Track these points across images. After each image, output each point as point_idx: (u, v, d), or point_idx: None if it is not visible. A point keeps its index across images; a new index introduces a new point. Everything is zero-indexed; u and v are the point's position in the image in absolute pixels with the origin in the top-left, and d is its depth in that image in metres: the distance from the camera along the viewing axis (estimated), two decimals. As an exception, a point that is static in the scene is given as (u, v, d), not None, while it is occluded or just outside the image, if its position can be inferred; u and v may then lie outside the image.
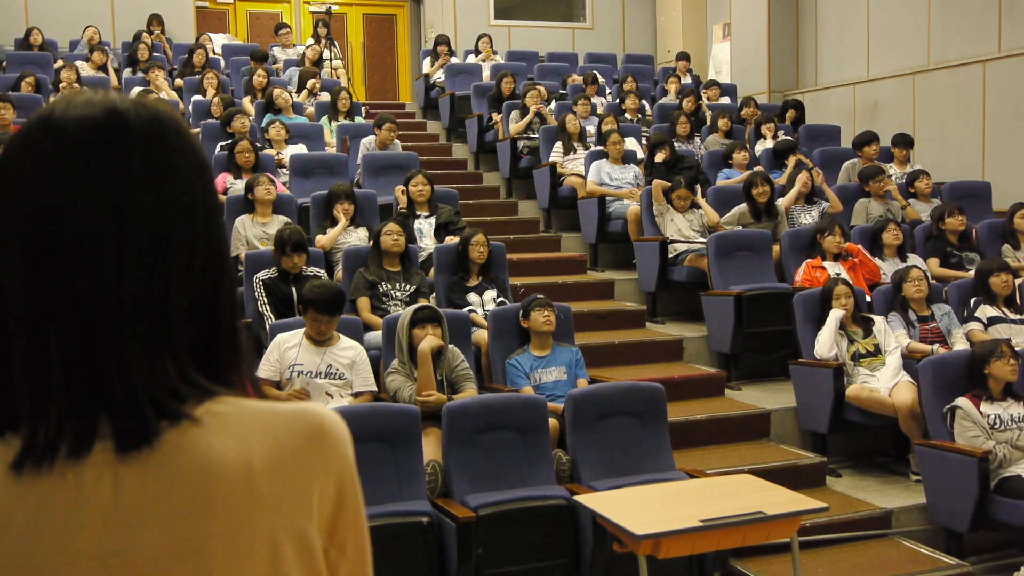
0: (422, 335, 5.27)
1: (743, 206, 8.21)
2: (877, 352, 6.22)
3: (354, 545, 1.02)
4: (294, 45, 13.12)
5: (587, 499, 4.25)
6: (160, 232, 0.93)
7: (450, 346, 5.48)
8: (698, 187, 8.33)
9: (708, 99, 11.53)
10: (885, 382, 6.05)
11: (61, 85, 9.89)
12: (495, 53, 13.06)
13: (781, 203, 8.24)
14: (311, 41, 12.57)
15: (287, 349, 5.29)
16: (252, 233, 7.10)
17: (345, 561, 1.00)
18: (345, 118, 10.01)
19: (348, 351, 5.36)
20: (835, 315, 6.23)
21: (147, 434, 0.90)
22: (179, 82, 10.89)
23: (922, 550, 5.26)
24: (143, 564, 0.89)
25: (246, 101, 10.34)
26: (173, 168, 0.95)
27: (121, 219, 0.91)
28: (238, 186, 7.75)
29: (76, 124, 0.93)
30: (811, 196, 8.43)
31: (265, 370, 5.25)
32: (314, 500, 0.96)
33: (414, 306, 5.53)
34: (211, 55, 11.96)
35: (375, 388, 5.39)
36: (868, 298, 6.82)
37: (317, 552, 0.97)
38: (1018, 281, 6.81)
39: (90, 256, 0.90)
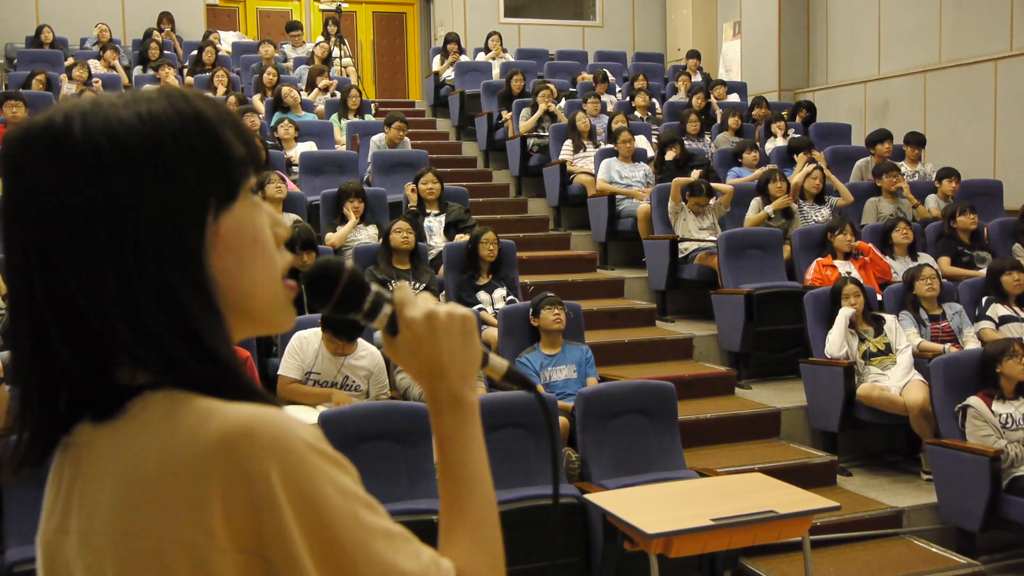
0: None
1: (756, 200, 8.19)
2: (888, 351, 6.20)
3: (323, 567, 0.87)
4: (304, 43, 13.13)
5: (598, 498, 4.25)
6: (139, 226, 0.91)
7: None
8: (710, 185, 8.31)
9: (716, 98, 11.51)
10: (896, 381, 6.03)
11: (74, 83, 9.90)
12: (505, 51, 13.05)
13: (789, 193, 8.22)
14: (320, 39, 12.58)
15: (306, 349, 5.25)
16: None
17: None
18: (355, 116, 10.02)
19: (364, 359, 5.30)
20: (844, 313, 6.22)
21: (103, 414, 0.93)
22: (189, 80, 10.90)
23: (933, 549, 5.25)
24: (77, 546, 0.92)
25: (256, 99, 10.36)
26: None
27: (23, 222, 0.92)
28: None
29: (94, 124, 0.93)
30: (821, 195, 8.42)
31: (291, 369, 5.23)
32: (215, 513, 0.85)
33: None
34: (220, 53, 11.97)
35: (388, 395, 5.36)
36: (879, 297, 6.80)
37: (224, 572, 0.86)
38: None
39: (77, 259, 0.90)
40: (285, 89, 9.75)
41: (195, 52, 11.73)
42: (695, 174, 8.36)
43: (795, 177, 8.38)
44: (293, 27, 13.31)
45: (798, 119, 10.90)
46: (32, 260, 0.91)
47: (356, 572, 0.88)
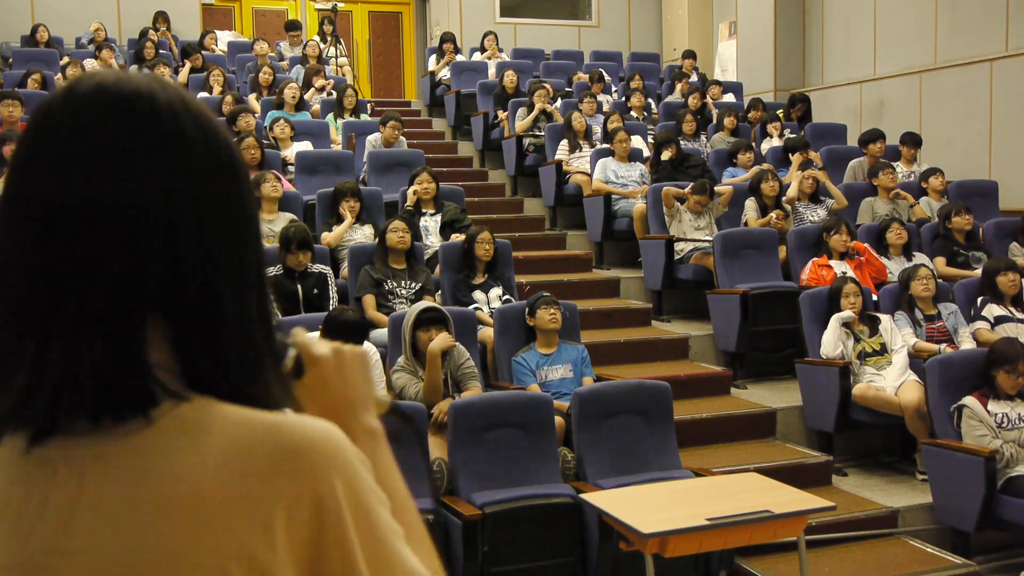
0: (426, 338, 5.25)
1: (751, 200, 8.21)
2: (883, 351, 6.20)
3: (372, 570, 0.89)
4: (303, 43, 13.11)
5: (593, 497, 4.25)
6: (197, 218, 0.90)
7: (455, 344, 5.47)
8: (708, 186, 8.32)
9: (712, 98, 11.51)
10: (891, 381, 6.04)
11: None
12: (501, 51, 13.05)
13: (785, 198, 8.23)
14: (315, 39, 12.58)
15: None
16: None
17: None
18: (351, 115, 10.01)
19: None
20: (837, 318, 6.21)
21: (125, 420, 0.87)
22: (183, 78, 10.90)
23: (928, 549, 5.25)
24: (90, 568, 0.85)
25: (252, 98, 10.35)
26: (199, 147, 0.92)
27: (161, 205, 0.88)
28: (248, 183, 7.74)
29: (98, 103, 0.90)
30: (816, 195, 8.43)
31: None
32: (279, 530, 0.86)
33: (419, 305, 5.51)
34: (210, 53, 11.95)
35: (385, 392, 5.34)
36: (875, 297, 6.81)
37: None
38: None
39: (118, 242, 0.87)
40: (291, 86, 9.74)
41: (190, 51, 11.71)
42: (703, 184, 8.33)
43: (790, 191, 8.34)
44: (292, 27, 13.28)
45: (794, 116, 10.89)
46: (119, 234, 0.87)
47: (392, 573, 0.90)
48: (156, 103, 0.91)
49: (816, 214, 8.27)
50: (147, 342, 0.88)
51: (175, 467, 0.86)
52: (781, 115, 10.72)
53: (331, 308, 6.22)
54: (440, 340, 5.21)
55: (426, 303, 5.66)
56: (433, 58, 12.95)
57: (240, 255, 0.94)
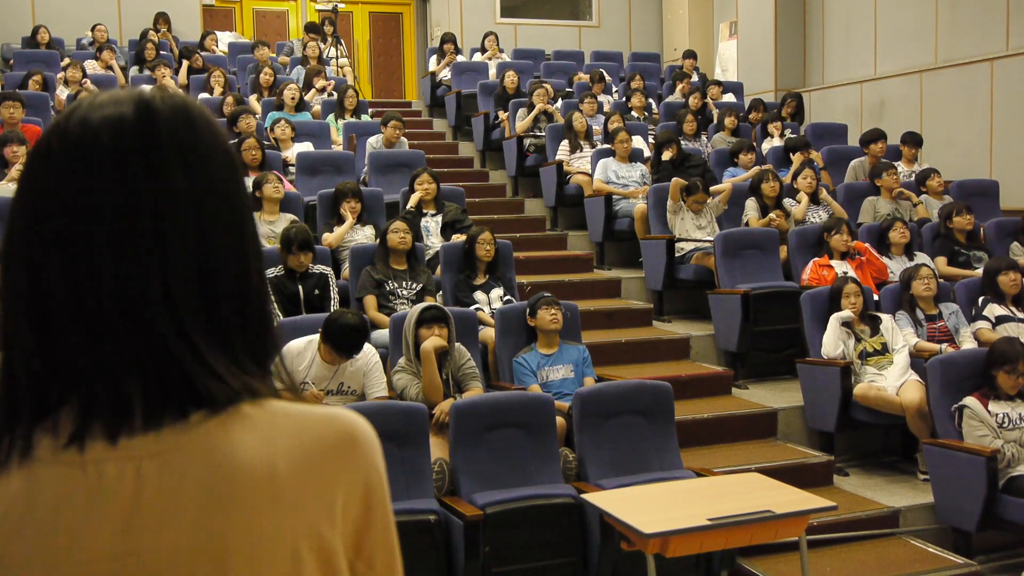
0: (428, 335, 5.26)
1: (751, 200, 8.21)
2: (884, 351, 6.20)
3: (384, 560, 0.98)
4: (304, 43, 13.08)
5: (594, 497, 4.25)
6: (198, 218, 0.91)
7: (456, 345, 5.47)
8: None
9: (712, 98, 11.51)
10: (893, 381, 6.04)
11: (69, 84, 9.88)
12: (501, 51, 13.05)
13: (794, 213, 8.21)
14: (301, 39, 12.56)
15: (298, 361, 5.15)
16: (259, 231, 7.06)
17: (374, 575, 0.97)
18: (352, 116, 10.02)
19: (359, 361, 5.20)
20: (836, 317, 6.21)
21: (183, 419, 0.89)
22: (182, 78, 10.90)
23: (930, 549, 5.25)
24: (160, 565, 0.86)
25: (252, 99, 10.35)
26: (203, 152, 0.94)
27: (157, 215, 0.89)
28: (245, 184, 7.74)
29: (103, 123, 0.91)
30: (816, 195, 8.42)
31: (277, 382, 5.13)
32: (338, 509, 0.93)
33: (421, 305, 5.51)
34: (211, 54, 11.94)
35: (387, 394, 5.33)
36: (876, 296, 6.81)
37: (341, 564, 0.93)
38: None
39: (130, 252, 0.88)
40: (291, 87, 9.74)
41: (189, 52, 11.70)
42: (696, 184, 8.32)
43: (797, 212, 8.31)
44: (312, 29, 13.19)
45: (785, 113, 10.88)
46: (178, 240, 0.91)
47: (396, 552, 1.00)
48: (157, 116, 0.93)
49: (817, 214, 8.27)
50: (219, 335, 0.92)
51: (245, 456, 0.89)
52: (779, 112, 10.71)
53: (332, 309, 6.22)
54: (430, 341, 5.20)
55: (427, 303, 5.66)
56: (434, 59, 12.95)
57: (248, 261, 0.97)
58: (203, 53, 11.97)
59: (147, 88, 0.96)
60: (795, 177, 8.51)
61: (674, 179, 8.11)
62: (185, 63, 11.28)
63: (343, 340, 5.00)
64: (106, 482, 0.87)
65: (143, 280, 0.88)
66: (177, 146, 0.92)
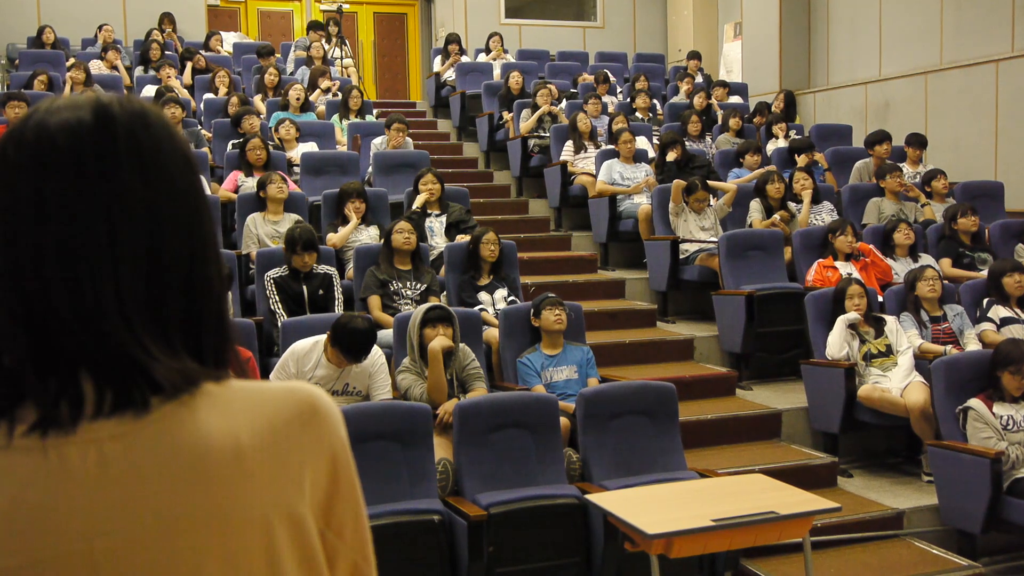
0: (433, 335, 5.26)
1: (755, 202, 8.20)
2: (889, 352, 6.20)
3: (353, 529, 1.00)
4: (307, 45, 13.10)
5: (598, 498, 4.25)
6: (151, 222, 0.94)
7: (461, 345, 5.47)
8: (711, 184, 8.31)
9: (717, 99, 11.51)
10: (897, 382, 6.03)
11: (74, 86, 9.86)
12: (506, 52, 13.05)
13: (798, 219, 8.19)
14: (305, 38, 12.57)
15: (304, 361, 5.15)
16: (264, 231, 7.10)
17: (344, 545, 0.99)
18: (356, 116, 10.02)
19: (364, 361, 5.19)
20: (843, 319, 6.21)
21: (142, 404, 0.90)
22: (186, 79, 10.91)
23: (934, 551, 5.25)
24: (131, 544, 0.87)
25: (257, 99, 10.36)
26: (160, 158, 0.96)
27: (109, 213, 0.92)
28: (250, 184, 7.76)
29: (60, 127, 0.93)
30: (818, 196, 8.41)
31: (281, 379, 5.14)
32: (306, 480, 0.95)
33: (425, 305, 5.52)
34: (215, 55, 11.95)
35: (391, 395, 5.33)
36: (880, 298, 6.80)
37: (312, 534, 0.95)
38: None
39: (85, 252, 0.91)
40: (296, 87, 9.75)
41: (194, 53, 11.72)
42: (695, 183, 8.31)
43: (801, 219, 8.28)
44: (315, 27, 13.20)
45: (775, 108, 10.85)
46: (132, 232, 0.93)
47: (364, 521, 1.02)
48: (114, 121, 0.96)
49: (819, 216, 8.26)
50: (167, 329, 0.94)
51: (210, 432, 0.91)
52: (771, 108, 10.72)
53: (336, 309, 6.22)
54: (438, 341, 5.21)
55: (431, 303, 5.67)
56: (438, 59, 12.96)
57: (199, 261, 0.99)
58: (207, 53, 11.98)
59: (105, 94, 0.99)
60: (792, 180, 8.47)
61: (675, 181, 8.12)
62: (189, 64, 11.28)
63: (352, 344, 5.00)
64: (68, 464, 0.88)
65: (94, 280, 0.90)
66: (134, 150, 0.94)
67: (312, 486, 0.95)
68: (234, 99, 9.67)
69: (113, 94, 1.00)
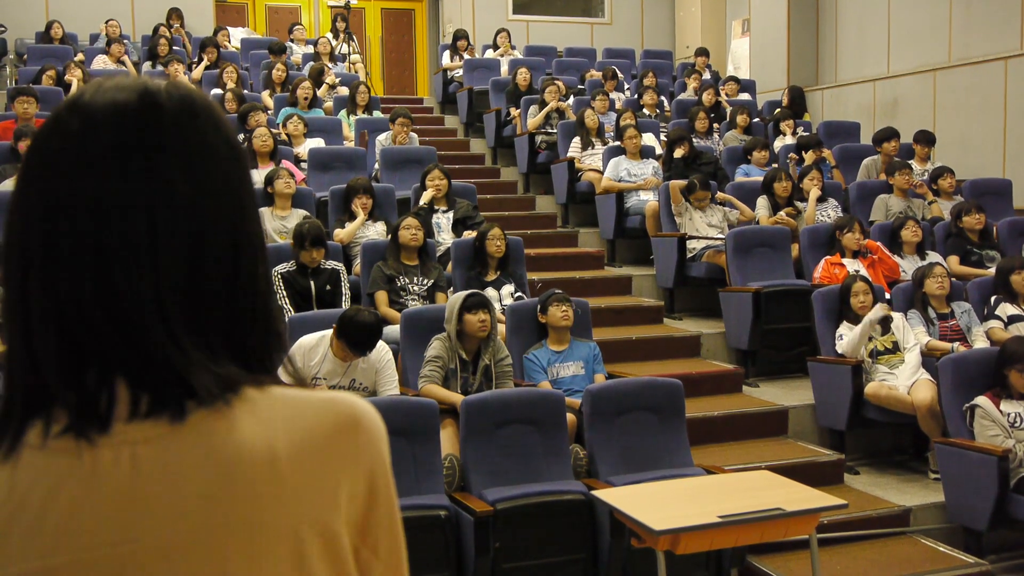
0: (473, 320, 5.33)
1: (763, 199, 8.20)
2: (896, 349, 6.19)
3: (388, 546, 0.97)
4: (315, 40, 13.14)
5: (605, 494, 4.25)
6: (194, 218, 0.91)
7: (499, 338, 5.57)
8: (713, 183, 8.30)
9: (726, 95, 11.49)
10: (904, 380, 6.02)
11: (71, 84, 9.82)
12: (513, 48, 13.05)
13: (804, 216, 8.17)
14: (329, 35, 12.61)
15: (310, 356, 5.15)
16: (271, 226, 7.11)
17: (378, 562, 0.96)
18: (364, 112, 10.03)
19: (371, 356, 5.19)
20: (871, 318, 6.10)
21: (178, 408, 0.88)
22: (196, 74, 10.91)
23: (941, 548, 5.24)
24: (157, 551, 0.86)
25: (265, 95, 10.37)
26: (207, 150, 0.93)
27: (152, 209, 0.89)
28: (256, 178, 7.77)
29: (105, 109, 0.91)
30: (824, 194, 8.39)
31: (285, 375, 5.13)
32: (342, 495, 0.92)
33: (464, 292, 5.55)
34: (223, 50, 11.96)
35: (398, 391, 5.32)
36: (887, 295, 6.79)
37: (345, 550, 0.93)
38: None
39: (124, 249, 0.88)
40: (305, 84, 9.75)
41: (200, 49, 11.72)
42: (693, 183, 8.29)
43: (807, 215, 8.26)
44: (294, 26, 13.48)
45: (784, 100, 10.84)
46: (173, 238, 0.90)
47: (401, 539, 1.00)
48: (161, 105, 0.93)
49: (825, 212, 8.24)
50: (208, 331, 0.91)
51: (245, 440, 0.89)
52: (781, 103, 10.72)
53: (344, 304, 6.23)
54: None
55: (469, 291, 5.69)
56: (446, 55, 12.96)
57: (245, 259, 0.96)
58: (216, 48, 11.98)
59: (153, 82, 0.95)
60: (802, 178, 8.46)
61: (672, 182, 8.11)
62: (205, 59, 11.26)
63: (358, 337, 5.00)
64: (100, 467, 0.86)
65: (131, 280, 0.88)
66: (179, 143, 0.92)
67: (348, 500, 0.93)
68: (228, 95, 9.61)
69: (161, 80, 0.96)
